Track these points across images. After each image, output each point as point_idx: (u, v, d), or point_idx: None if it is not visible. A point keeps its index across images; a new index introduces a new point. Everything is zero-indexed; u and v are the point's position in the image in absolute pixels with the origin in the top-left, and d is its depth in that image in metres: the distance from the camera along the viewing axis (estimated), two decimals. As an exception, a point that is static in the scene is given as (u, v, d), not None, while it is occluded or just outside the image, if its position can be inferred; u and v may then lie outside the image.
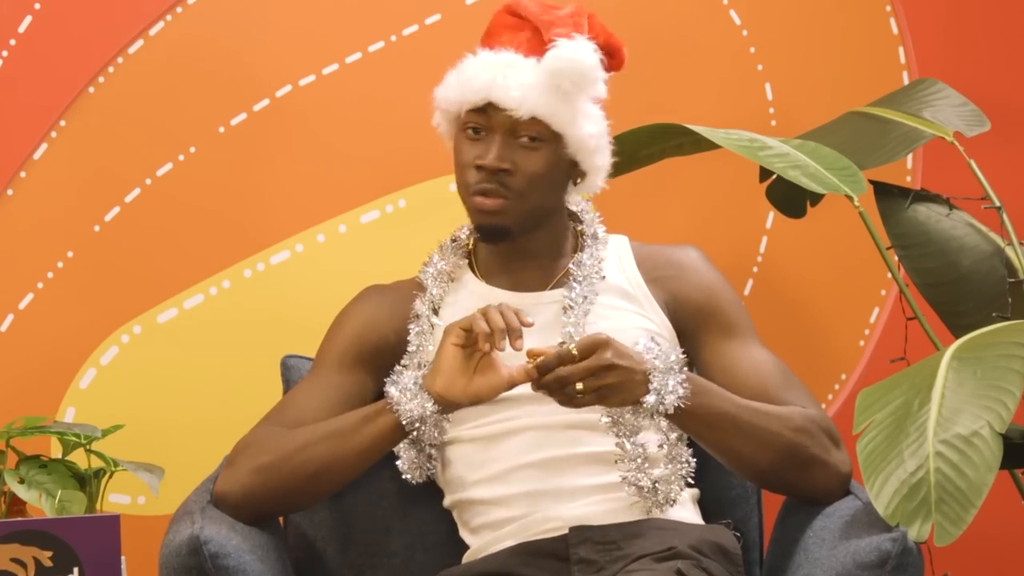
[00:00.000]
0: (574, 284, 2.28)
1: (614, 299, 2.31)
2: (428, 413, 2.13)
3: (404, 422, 2.14)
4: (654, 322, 2.31)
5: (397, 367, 2.30)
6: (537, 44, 2.26)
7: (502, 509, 2.23)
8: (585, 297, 2.27)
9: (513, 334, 2.07)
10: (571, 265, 2.31)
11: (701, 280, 2.36)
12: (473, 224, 2.29)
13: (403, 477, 2.23)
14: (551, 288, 2.32)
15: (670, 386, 2.10)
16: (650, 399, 2.09)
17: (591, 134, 2.27)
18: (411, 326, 2.32)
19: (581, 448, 2.22)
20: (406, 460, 2.22)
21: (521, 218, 2.26)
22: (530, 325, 2.09)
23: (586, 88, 2.24)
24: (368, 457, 2.19)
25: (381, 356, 2.32)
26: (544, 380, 2.05)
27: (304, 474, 2.19)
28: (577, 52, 2.23)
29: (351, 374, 2.31)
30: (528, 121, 2.22)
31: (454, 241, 2.39)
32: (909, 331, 2.69)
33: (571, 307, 2.26)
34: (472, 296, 2.32)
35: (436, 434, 2.16)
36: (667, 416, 2.11)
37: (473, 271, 2.37)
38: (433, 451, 2.23)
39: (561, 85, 2.22)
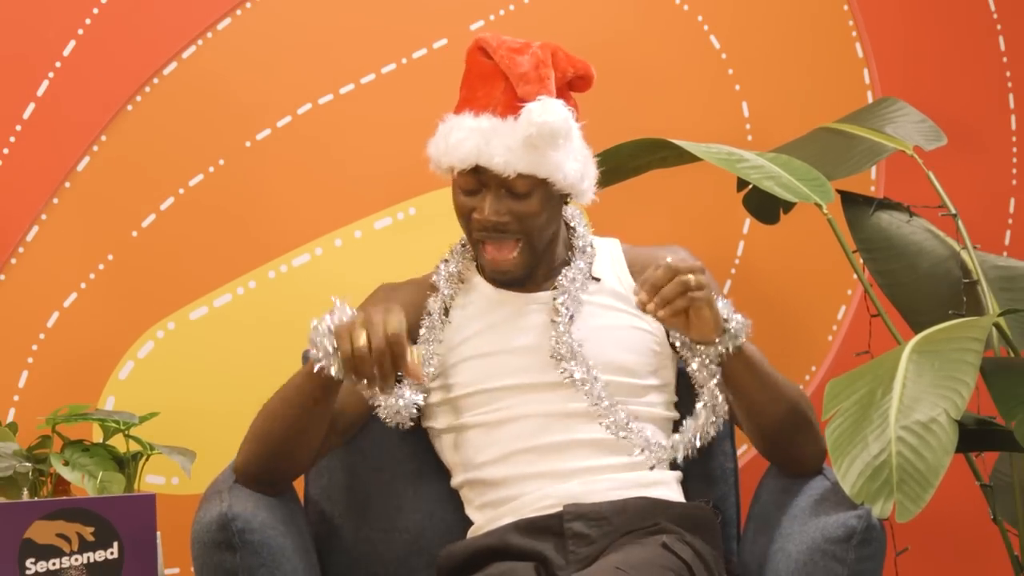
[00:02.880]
0: (563, 290, 2.26)
1: (607, 299, 2.29)
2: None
3: (318, 367, 2.04)
4: (643, 319, 2.28)
5: None
6: (511, 100, 2.20)
7: (503, 488, 2.22)
8: (575, 300, 2.25)
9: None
10: (561, 273, 2.29)
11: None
12: (483, 267, 2.28)
13: (386, 423, 2.16)
14: (551, 289, 2.30)
15: (738, 319, 2.10)
16: (734, 323, 2.08)
17: (575, 169, 2.23)
18: (423, 321, 2.29)
19: (574, 435, 2.21)
20: (384, 409, 2.15)
21: (529, 263, 2.25)
22: (420, 380, 2.01)
23: (560, 143, 2.19)
24: (311, 407, 2.11)
25: (392, 347, 2.33)
26: (667, 290, 2.02)
27: (278, 437, 2.13)
28: (546, 115, 2.16)
29: (366, 363, 2.30)
30: (516, 177, 2.19)
31: (464, 245, 2.36)
32: (873, 327, 2.71)
33: (558, 311, 2.23)
34: (481, 297, 2.32)
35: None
36: (731, 353, 2.09)
37: (481, 273, 2.34)
38: (405, 395, 2.16)
39: (538, 146, 2.17)
